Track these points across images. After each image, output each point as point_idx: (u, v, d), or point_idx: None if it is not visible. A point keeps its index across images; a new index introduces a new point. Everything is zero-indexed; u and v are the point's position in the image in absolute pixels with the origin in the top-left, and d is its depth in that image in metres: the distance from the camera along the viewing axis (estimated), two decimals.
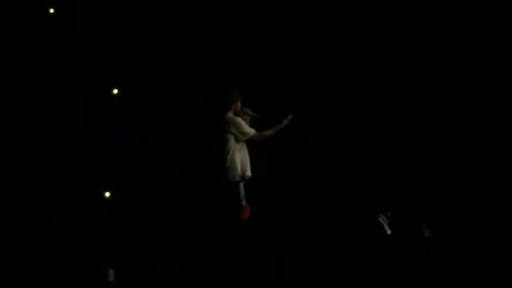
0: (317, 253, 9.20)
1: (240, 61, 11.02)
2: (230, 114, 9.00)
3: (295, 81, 10.96)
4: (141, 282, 9.51)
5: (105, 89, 11.37)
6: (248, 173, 8.89)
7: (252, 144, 9.09)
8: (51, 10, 11.33)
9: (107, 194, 11.07)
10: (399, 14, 10.79)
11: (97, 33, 11.36)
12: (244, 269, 8.66)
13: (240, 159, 8.87)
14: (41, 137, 11.19)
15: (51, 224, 10.85)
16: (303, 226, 9.91)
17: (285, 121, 9.07)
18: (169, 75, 11.23)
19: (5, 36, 11.24)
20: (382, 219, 8.85)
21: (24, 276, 9.96)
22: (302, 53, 11.03)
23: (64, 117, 11.27)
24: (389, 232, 8.79)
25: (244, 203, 8.86)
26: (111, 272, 9.74)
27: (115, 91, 11.27)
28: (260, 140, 9.01)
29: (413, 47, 10.78)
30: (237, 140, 8.90)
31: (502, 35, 10.57)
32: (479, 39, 10.58)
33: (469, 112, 10.53)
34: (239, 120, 8.97)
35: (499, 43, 10.55)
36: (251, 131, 8.95)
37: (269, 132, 9.00)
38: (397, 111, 10.75)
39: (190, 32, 11.30)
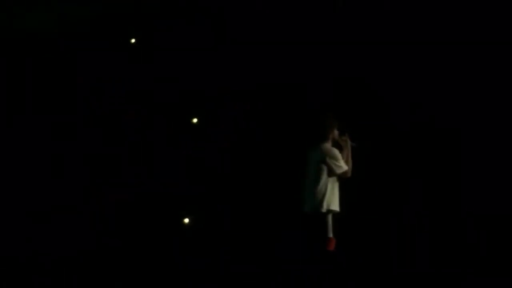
0: None
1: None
2: (328, 144, 8.86)
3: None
4: None
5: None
6: (335, 208, 8.77)
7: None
8: None
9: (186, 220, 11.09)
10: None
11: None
12: None
13: (331, 191, 8.75)
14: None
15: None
16: None
17: (347, 143, 8.95)
18: None
19: None
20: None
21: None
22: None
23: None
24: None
25: (330, 235, 8.73)
26: None
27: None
28: (349, 176, 8.88)
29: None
30: (331, 173, 8.76)
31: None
32: None
33: None
34: (337, 152, 8.81)
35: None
36: (345, 166, 8.80)
37: (350, 165, 8.84)
38: None
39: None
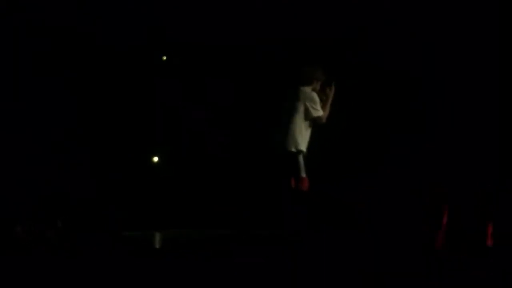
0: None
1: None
2: (307, 89, 9.05)
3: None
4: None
5: None
6: (303, 148, 8.95)
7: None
8: None
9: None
10: None
11: None
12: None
13: (302, 132, 8.96)
14: None
15: None
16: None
17: (331, 92, 9.14)
18: None
19: None
20: None
21: None
22: None
23: None
24: None
25: (303, 174, 8.90)
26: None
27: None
28: (324, 122, 9.09)
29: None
30: (307, 115, 8.97)
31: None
32: None
33: None
34: (316, 96, 9.05)
35: None
36: (321, 111, 9.03)
37: (327, 112, 9.09)
38: None
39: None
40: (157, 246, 9.81)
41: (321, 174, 9.36)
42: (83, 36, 11.16)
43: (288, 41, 10.94)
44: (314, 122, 9.01)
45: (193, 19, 11.07)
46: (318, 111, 8.95)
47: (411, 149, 10.76)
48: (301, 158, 8.88)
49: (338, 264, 9.10)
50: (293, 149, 8.87)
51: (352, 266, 9.12)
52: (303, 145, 8.92)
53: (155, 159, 11.41)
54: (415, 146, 10.77)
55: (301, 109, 8.93)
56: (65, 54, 11.15)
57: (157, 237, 10.27)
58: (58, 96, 11.10)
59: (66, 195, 10.82)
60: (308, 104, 8.92)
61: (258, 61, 11.11)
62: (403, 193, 10.47)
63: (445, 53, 10.80)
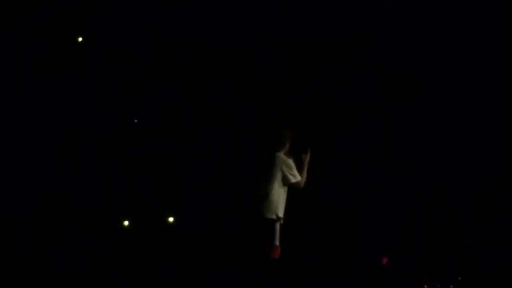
0: None
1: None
2: (282, 154, 8.98)
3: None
4: None
5: None
6: (281, 214, 8.85)
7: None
8: None
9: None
10: None
11: None
12: None
13: (281, 198, 8.85)
14: None
15: None
16: None
17: (307, 158, 9.06)
18: None
19: None
20: None
21: None
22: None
23: None
24: None
25: (277, 243, 8.78)
26: None
27: None
28: (302, 187, 9.00)
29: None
30: (284, 181, 8.87)
31: None
32: None
33: None
34: (292, 162, 8.94)
35: None
36: (299, 176, 8.93)
37: (304, 177, 8.99)
38: None
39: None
40: None
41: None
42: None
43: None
44: (291, 187, 8.92)
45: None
46: (296, 177, 8.87)
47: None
48: (277, 226, 8.78)
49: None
50: (273, 216, 8.74)
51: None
52: (281, 211, 8.82)
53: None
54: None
55: (278, 175, 8.83)
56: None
57: None
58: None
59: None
60: (284, 169, 8.84)
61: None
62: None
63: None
